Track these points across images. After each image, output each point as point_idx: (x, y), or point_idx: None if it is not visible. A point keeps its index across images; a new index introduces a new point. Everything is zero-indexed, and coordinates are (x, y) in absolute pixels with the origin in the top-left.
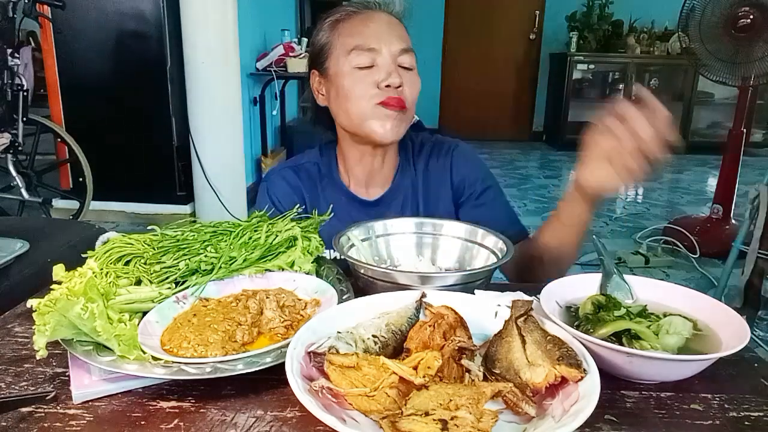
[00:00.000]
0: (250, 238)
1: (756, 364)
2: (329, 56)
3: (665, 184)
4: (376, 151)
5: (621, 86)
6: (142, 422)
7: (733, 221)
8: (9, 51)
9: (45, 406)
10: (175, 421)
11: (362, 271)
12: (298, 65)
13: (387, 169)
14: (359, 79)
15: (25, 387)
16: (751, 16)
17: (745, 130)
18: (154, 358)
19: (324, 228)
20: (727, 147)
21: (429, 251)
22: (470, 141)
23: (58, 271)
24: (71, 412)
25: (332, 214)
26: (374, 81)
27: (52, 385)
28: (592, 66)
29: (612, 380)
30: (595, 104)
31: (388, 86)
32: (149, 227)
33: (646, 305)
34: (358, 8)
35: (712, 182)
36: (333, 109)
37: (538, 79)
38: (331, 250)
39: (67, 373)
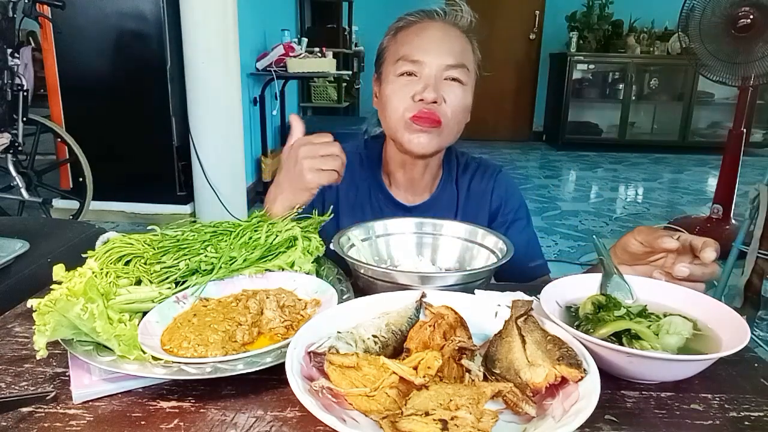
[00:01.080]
0: (251, 238)
1: (756, 364)
2: (384, 61)
3: (665, 184)
4: (416, 160)
5: (621, 86)
6: (142, 422)
7: (733, 221)
8: (9, 51)
9: (45, 406)
10: (175, 421)
11: (362, 271)
12: (298, 65)
13: (427, 180)
14: (399, 88)
15: (25, 387)
16: (751, 16)
17: (745, 130)
18: (154, 358)
19: (354, 221)
20: (727, 147)
21: (429, 251)
22: (470, 141)
23: (58, 271)
24: (71, 412)
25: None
26: (412, 92)
27: (52, 385)
28: (592, 66)
29: (612, 380)
30: (595, 104)
31: (422, 100)
32: (149, 227)
33: (646, 305)
34: (420, 17)
35: (712, 182)
36: (379, 113)
37: (538, 79)
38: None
39: (67, 373)
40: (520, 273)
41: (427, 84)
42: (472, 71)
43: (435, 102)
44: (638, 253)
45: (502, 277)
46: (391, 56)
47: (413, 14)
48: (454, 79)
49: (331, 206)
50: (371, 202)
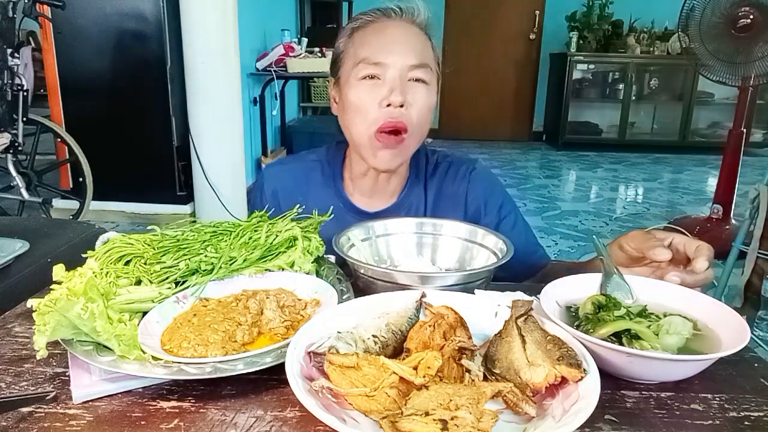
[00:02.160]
0: (251, 238)
1: (756, 364)
2: (342, 65)
3: (665, 184)
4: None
5: (621, 86)
6: (142, 422)
7: (733, 221)
8: (9, 51)
9: (45, 406)
10: (175, 421)
11: (362, 271)
12: (298, 65)
13: (393, 185)
14: (363, 93)
15: (25, 387)
16: (751, 16)
17: (745, 130)
18: (155, 358)
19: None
20: (727, 147)
21: (429, 251)
22: (470, 141)
23: (58, 271)
24: (71, 412)
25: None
26: (378, 97)
27: (52, 385)
28: (592, 66)
29: (612, 380)
30: (595, 104)
31: (389, 105)
32: (149, 227)
33: (646, 305)
34: (376, 16)
35: (712, 182)
36: (341, 120)
37: (538, 79)
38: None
39: (67, 373)
40: (523, 269)
41: (392, 87)
42: (434, 70)
43: (402, 106)
44: (635, 257)
45: (506, 275)
46: (350, 59)
47: (369, 13)
48: (418, 80)
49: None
50: (333, 211)
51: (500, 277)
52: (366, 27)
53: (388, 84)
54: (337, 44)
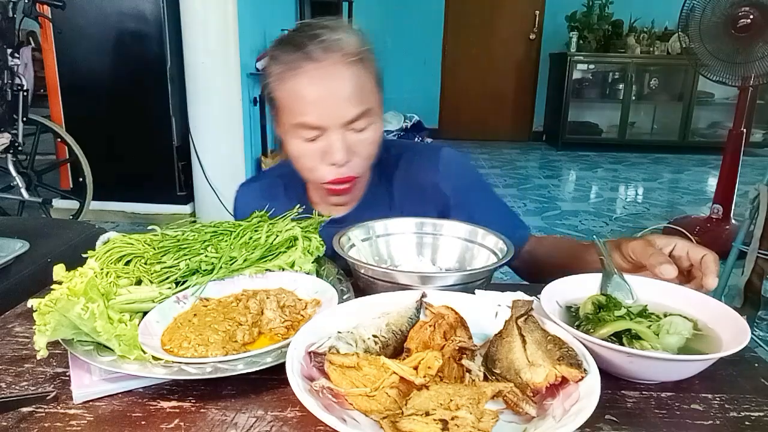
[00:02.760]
0: (251, 238)
1: (756, 365)
2: (279, 111)
3: (665, 184)
4: None
5: (621, 86)
6: (143, 422)
7: (733, 221)
8: (9, 51)
9: (45, 406)
10: (176, 421)
11: (362, 271)
12: None
13: (356, 190)
14: (306, 152)
15: (26, 387)
16: (751, 16)
17: (745, 130)
18: (155, 358)
19: None
20: (727, 147)
21: (429, 251)
22: (470, 141)
23: (59, 271)
24: (72, 412)
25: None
26: (321, 154)
27: (52, 385)
28: (592, 66)
29: (612, 380)
30: (595, 104)
31: (334, 164)
32: (150, 227)
33: (646, 305)
34: (299, 61)
35: (712, 182)
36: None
37: (538, 79)
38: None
39: (67, 373)
40: None
41: (334, 148)
42: (376, 101)
43: (348, 161)
44: (630, 268)
45: None
46: (286, 113)
47: (288, 52)
48: (359, 131)
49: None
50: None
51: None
52: (294, 77)
53: (330, 142)
54: (265, 81)
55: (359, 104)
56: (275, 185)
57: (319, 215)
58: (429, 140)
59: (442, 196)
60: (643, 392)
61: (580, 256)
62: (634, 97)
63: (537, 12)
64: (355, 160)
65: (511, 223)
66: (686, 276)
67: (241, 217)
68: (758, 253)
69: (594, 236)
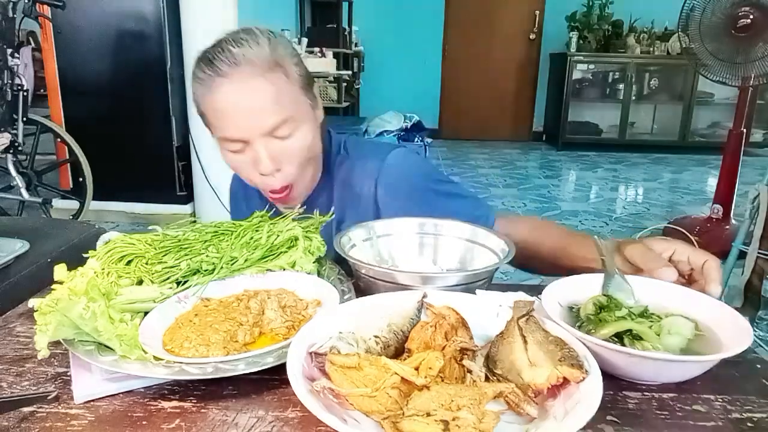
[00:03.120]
0: (252, 238)
1: (758, 365)
2: (208, 122)
3: (665, 184)
4: None
5: (621, 86)
6: (144, 422)
7: (733, 221)
8: (9, 51)
9: (46, 406)
10: (177, 421)
11: (363, 271)
12: None
13: (301, 188)
14: (237, 163)
15: (27, 387)
16: (751, 16)
17: (745, 130)
18: (156, 358)
19: None
20: (727, 147)
21: (430, 251)
22: (470, 141)
23: (60, 270)
24: (73, 411)
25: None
26: (251, 162)
27: (53, 385)
28: (592, 66)
29: (614, 381)
30: (595, 104)
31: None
32: (151, 227)
33: (647, 306)
34: (210, 76)
35: (712, 182)
36: None
37: (538, 79)
38: None
39: (68, 373)
40: None
41: (260, 158)
42: (299, 101)
43: (278, 169)
44: (633, 271)
45: None
46: (210, 126)
47: (203, 69)
48: (283, 138)
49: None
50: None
51: None
52: (210, 93)
53: (255, 154)
54: (194, 92)
55: (276, 113)
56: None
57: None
58: (429, 140)
59: (381, 210)
60: (645, 393)
61: (569, 250)
62: (634, 97)
63: (537, 12)
64: (285, 167)
65: (468, 214)
66: (687, 280)
67: (236, 199)
68: (758, 253)
69: (595, 236)
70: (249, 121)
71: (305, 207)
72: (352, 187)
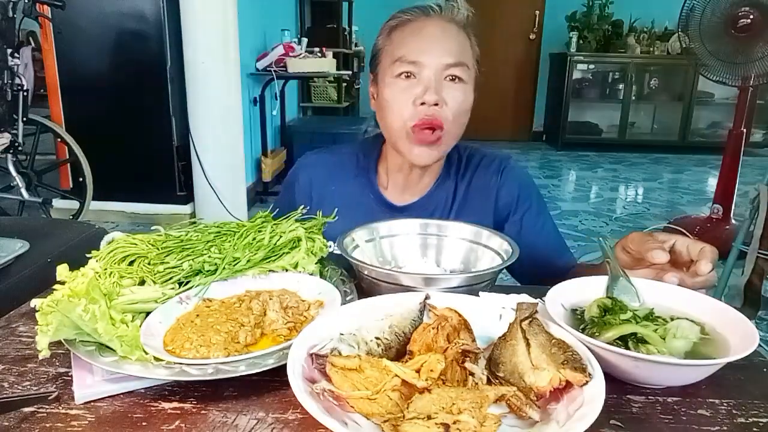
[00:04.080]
0: (254, 238)
1: (765, 369)
2: (380, 62)
3: (665, 184)
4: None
5: (621, 86)
6: (144, 423)
7: (733, 221)
8: (9, 51)
9: (47, 406)
10: (177, 422)
11: (366, 272)
12: (298, 65)
13: (426, 181)
14: (398, 92)
15: (28, 387)
16: (751, 16)
17: (745, 130)
18: (157, 359)
19: (343, 224)
20: (727, 147)
21: (433, 252)
22: (470, 141)
23: (62, 271)
24: (73, 412)
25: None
26: (413, 95)
27: (54, 385)
28: (592, 66)
29: (617, 384)
30: (595, 104)
31: (423, 104)
32: (153, 227)
33: (652, 308)
34: (415, 14)
35: (712, 182)
36: (378, 116)
37: (538, 79)
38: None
39: (69, 373)
40: (549, 272)
41: (427, 86)
42: (472, 68)
43: (437, 104)
44: (633, 260)
45: (529, 277)
46: (387, 57)
47: (408, 11)
48: (453, 78)
49: (335, 210)
50: (363, 203)
51: (526, 280)
52: (404, 26)
53: (423, 83)
54: (375, 41)
55: (458, 56)
56: (346, 161)
57: (377, 199)
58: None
59: (500, 201)
60: (649, 397)
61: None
62: (634, 97)
63: (537, 12)
64: (444, 108)
65: (559, 249)
66: (686, 269)
67: (307, 186)
68: (758, 253)
69: (599, 238)
70: (432, 49)
71: (425, 197)
72: (475, 184)
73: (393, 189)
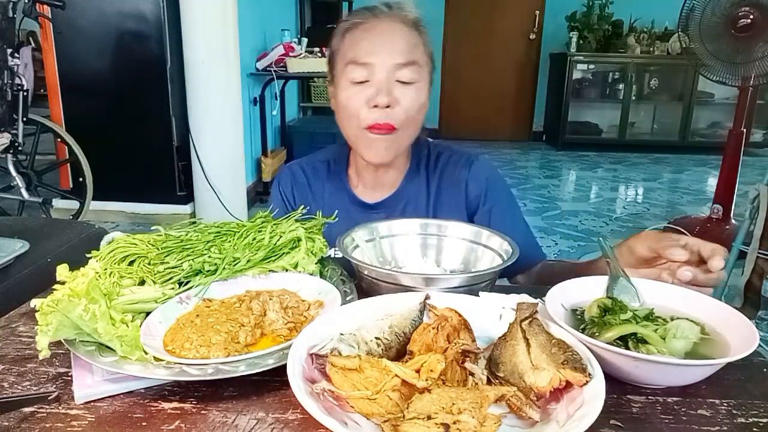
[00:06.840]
0: (254, 238)
1: (765, 369)
2: (335, 65)
3: (665, 184)
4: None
5: (621, 86)
6: (144, 423)
7: (733, 221)
8: (9, 51)
9: (47, 406)
10: (177, 423)
11: (366, 272)
12: (298, 65)
13: (392, 177)
14: (353, 94)
15: (28, 387)
16: (751, 16)
17: (745, 130)
18: (157, 359)
19: (326, 228)
20: (727, 147)
21: (434, 252)
22: (470, 141)
23: (62, 271)
24: (73, 412)
25: (337, 218)
26: (366, 97)
27: (54, 385)
28: (592, 66)
29: (617, 385)
30: (595, 104)
31: (376, 105)
32: (153, 227)
33: (653, 309)
34: (365, 16)
35: (712, 182)
36: (336, 117)
37: (538, 79)
38: (334, 249)
39: (69, 373)
40: (515, 265)
41: (379, 88)
42: (425, 65)
43: (389, 106)
44: (645, 257)
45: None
46: (341, 59)
47: (359, 13)
48: (404, 82)
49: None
50: (338, 204)
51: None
52: (356, 27)
53: (375, 85)
54: (330, 43)
55: (408, 55)
56: (320, 167)
57: (350, 199)
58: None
59: (469, 194)
60: (649, 397)
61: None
62: (634, 97)
63: (537, 12)
64: (397, 109)
65: (527, 243)
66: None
67: (291, 195)
68: (758, 253)
69: (600, 238)
70: (387, 48)
71: (397, 193)
72: (447, 176)
73: (364, 188)
